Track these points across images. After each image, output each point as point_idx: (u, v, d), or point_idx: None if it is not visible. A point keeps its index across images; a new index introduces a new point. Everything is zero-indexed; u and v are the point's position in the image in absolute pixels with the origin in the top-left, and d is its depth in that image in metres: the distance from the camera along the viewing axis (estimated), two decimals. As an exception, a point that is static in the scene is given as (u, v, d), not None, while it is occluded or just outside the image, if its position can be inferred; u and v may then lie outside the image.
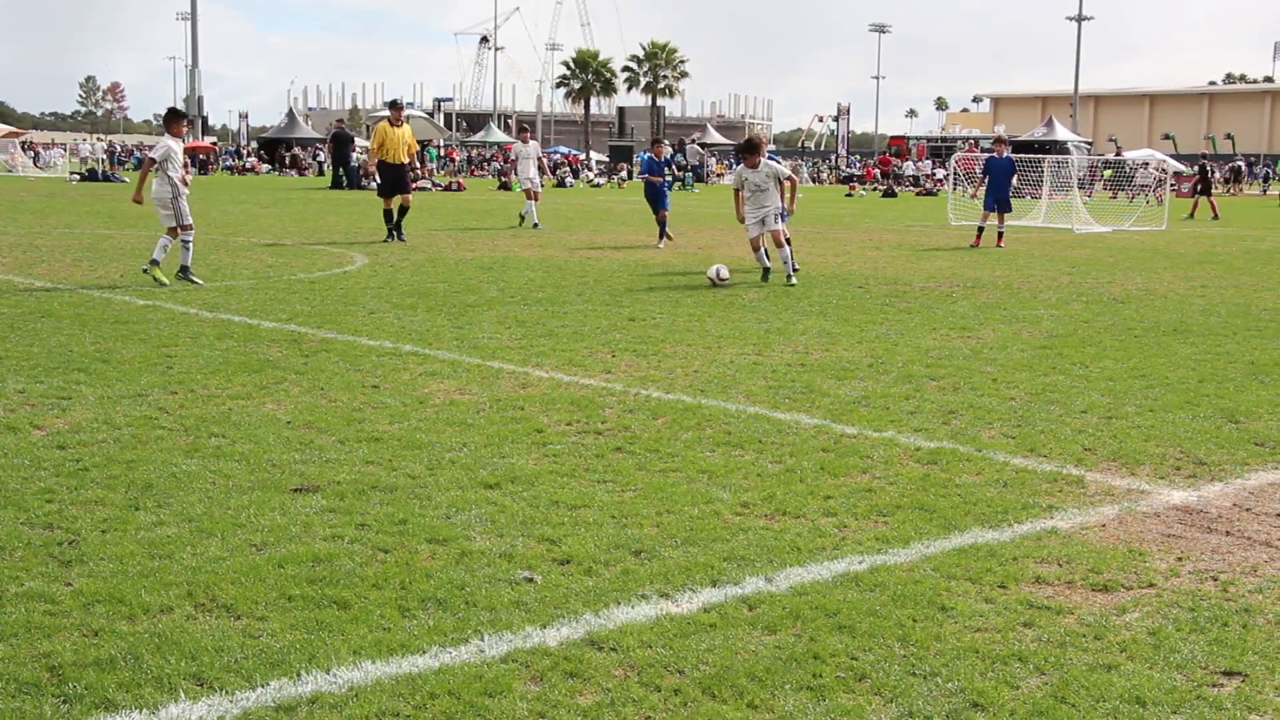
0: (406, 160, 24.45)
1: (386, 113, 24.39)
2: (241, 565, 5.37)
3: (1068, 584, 5.40)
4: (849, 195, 60.01)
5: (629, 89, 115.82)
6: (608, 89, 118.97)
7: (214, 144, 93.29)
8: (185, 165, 16.32)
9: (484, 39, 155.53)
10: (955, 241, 26.27)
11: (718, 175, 77.53)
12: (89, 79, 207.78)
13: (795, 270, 17.73)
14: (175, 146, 16.15)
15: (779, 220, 17.49)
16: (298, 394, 9.01)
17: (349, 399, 8.88)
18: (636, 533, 5.99)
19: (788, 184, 18.02)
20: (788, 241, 17.72)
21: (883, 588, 5.28)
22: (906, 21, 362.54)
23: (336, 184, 53.03)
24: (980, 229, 25.81)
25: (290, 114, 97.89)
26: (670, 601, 5.10)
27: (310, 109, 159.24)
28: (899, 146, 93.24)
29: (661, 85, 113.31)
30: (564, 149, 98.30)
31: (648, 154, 25.90)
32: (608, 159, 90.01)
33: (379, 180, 24.60)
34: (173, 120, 16.44)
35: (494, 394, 9.17)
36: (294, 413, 8.38)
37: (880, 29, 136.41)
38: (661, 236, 24.11)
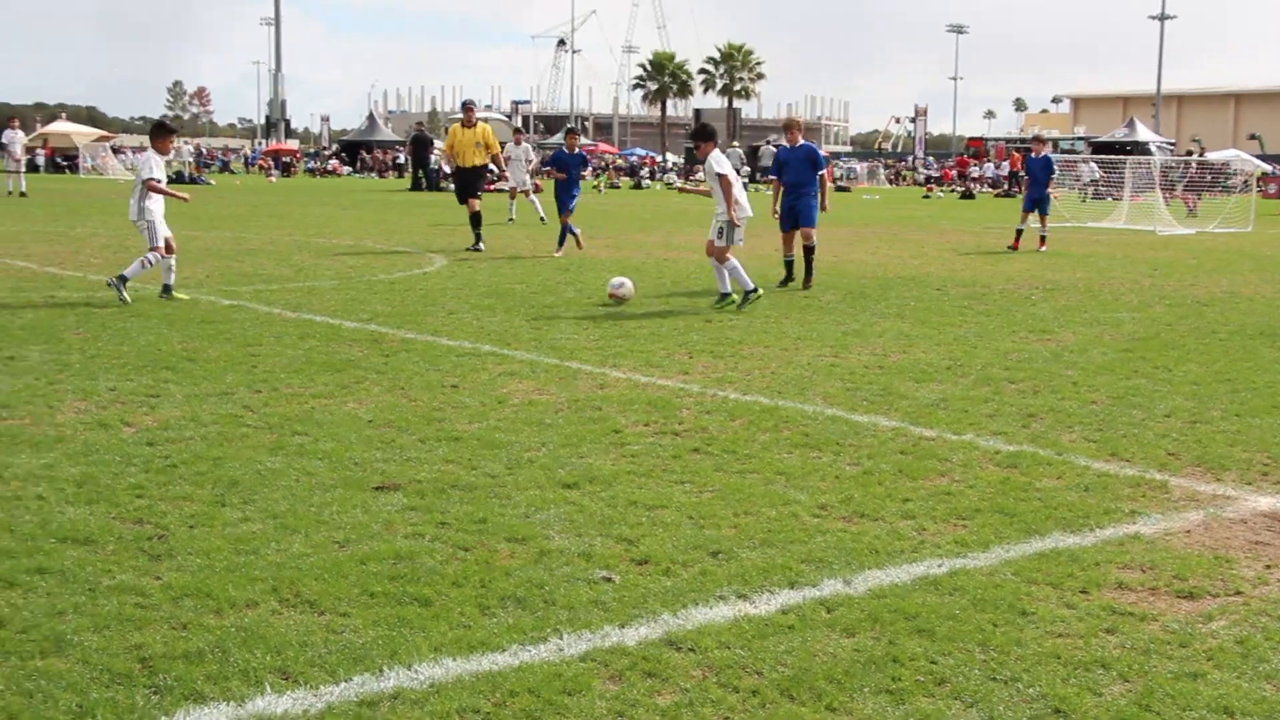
0: (480, 162, 23.21)
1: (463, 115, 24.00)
2: (325, 562, 5.44)
3: (1151, 590, 5.35)
4: (926, 197, 59.62)
5: (705, 91, 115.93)
6: (684, 91, 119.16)
7: (297, 148, 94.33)
8: (162, 183, 14.61)
9: (561, 42, 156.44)
10: (1033, 243, 26.00)
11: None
12: (176, 84, 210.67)
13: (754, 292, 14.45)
14: (157, 162, 14.66)
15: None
16: (378, 393, 9.10)
17: (429, 398, 8.96)
18: (714, 534, 5.99)
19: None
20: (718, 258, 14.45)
21: (962, 591, 5.25)
22: (984, 22, 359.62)
23: (416, 186, 53.51)
24: (1019, 231, 25.25)
25: (371, 117, 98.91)
26: (748, 603, 5.10)
27: (390, 112, 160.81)
28: (977, 148, 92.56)
29: (738, 87, 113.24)
30: (641, 150, 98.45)
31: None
32: (683, 161, 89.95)
33: (454, 184, 24.16)
34: (159, 135, 14.94)
35: (572, 394, 9.22)
36: (375, 411, 8.47)
37: (958, 29, 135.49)
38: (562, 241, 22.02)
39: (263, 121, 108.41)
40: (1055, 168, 25.34)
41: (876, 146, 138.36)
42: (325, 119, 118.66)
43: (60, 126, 75.89)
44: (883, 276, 18.50)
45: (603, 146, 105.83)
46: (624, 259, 20.84)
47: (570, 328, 12.62)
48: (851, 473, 7.16)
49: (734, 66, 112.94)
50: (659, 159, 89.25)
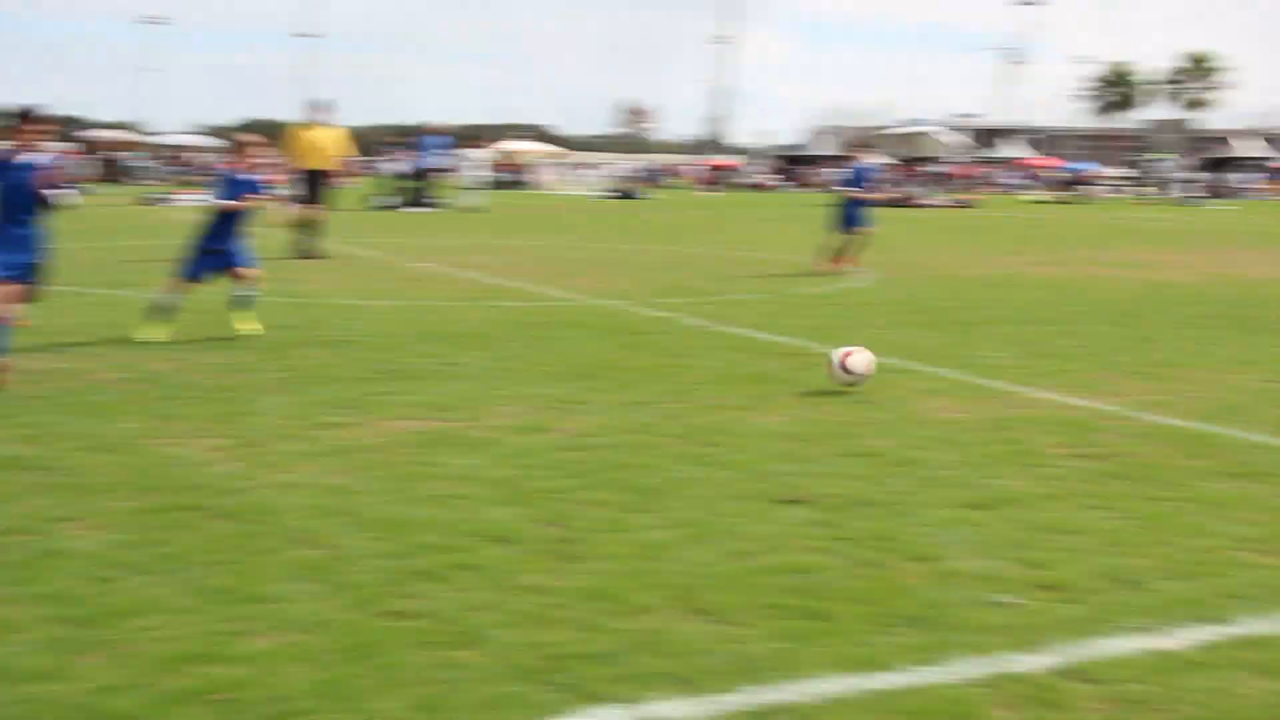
0: (322, 167, 21.02)
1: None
2: (727, 572, 5.56)
3: None
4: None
5: (1162, 101, 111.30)
6: (1128, 102, 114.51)
7: (737, 162, 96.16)
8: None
9: (1009, 50, 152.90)
10: None
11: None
12: (623, 101, 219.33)
13: None
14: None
15: None
16: (793, 406, 9.20)
17: (842, 413, 8.98)
18: (1129, 562, 5.76)
19: None
20: None
21: (1403, 639, 4.84)
22: None
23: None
24: None
25: (816, 131, 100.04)
26: (1159, 636, 4.87)
27: (829, 127, 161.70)
28: None
29: (1193, 98, 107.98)
30: (1084, 165, 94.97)
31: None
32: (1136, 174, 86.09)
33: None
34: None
35: (990, 413, 9.03)
36: (787, 425, 8.57)
37: None
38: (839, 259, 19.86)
39: (703, 137, 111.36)
40: None
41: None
42: (764, 133, 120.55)
43: (510, 144, 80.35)
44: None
45: (1040, 159, 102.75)
46: (1053, 276, 20.20)
47: (996, 345, 12.36)
48: (1286, 506, 6.70)
49: (1197, 74, 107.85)
50: (1107, 172, 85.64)
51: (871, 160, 20.78)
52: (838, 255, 19.70)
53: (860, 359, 9.79)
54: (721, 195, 68.18)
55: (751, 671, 4.52)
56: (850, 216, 19.76)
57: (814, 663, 4.60)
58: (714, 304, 15.87)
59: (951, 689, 4.39)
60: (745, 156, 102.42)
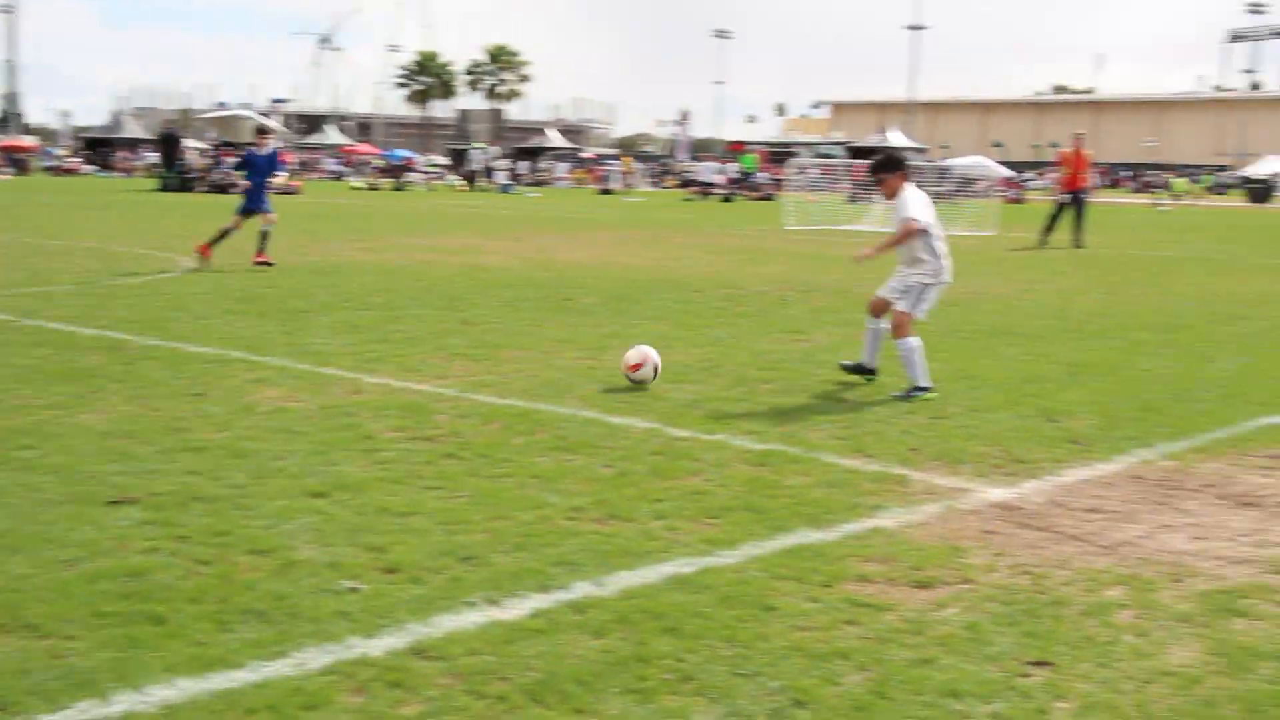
0: None
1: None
2: (49, 582, 5.17)
3: (890, 581, 5.49)
4: (688, 200, 60.45)
5: (472, 89, 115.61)
6: (448, 91, 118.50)
7: (37, 144, 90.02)
8: None
9: (323, 39, 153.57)
10: (791, 246, 26.58)
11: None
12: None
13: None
14: None
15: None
16: (117, 403, 8.74)
17: (172, 407, 8.64)
18: (466, 539, 5.93)
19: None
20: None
21: (710, 589, 5.31)
22: (748, 28, 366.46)
23: (165, 186, 51.81)
24: None
25: (117, 113, 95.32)
26: (498, 608, 5.06)
27: (139, 108, 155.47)
28: (739, 152, 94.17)
29: (503, 89, 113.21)
30: (403, 152, 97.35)
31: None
32: (450, 162, 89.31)
33: None
34: None
35: (324, 400, 9.02)
36: (113, 422, 8.13)
37: (723, 35, 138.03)
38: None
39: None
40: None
41: (641, 149, 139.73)
42: (66, 114, 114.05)
43: None
44: (644, 279, 18.66)
45: (364, 147, 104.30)
46: (384, 262, 20.54)
47: (324, 333, 12.36)
48: (605, 475, 7.17)
49: (500, 67, 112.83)
50: (420, 160, 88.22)
51: (267, 147, 20.25)
52: (211, 243, 19.12)
53: (640, 367, 9.74)
54: (20, 179, 63.57)
55: (82, 686, 4.23)
56: (250, 202, 19.45)
57: (152, 669, 4.38)
58: (21, 296, 14.78)
59: (301, 680, 4.33)
60: (39, 138, 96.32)
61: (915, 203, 9.87)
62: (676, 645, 4.71)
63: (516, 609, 5.06)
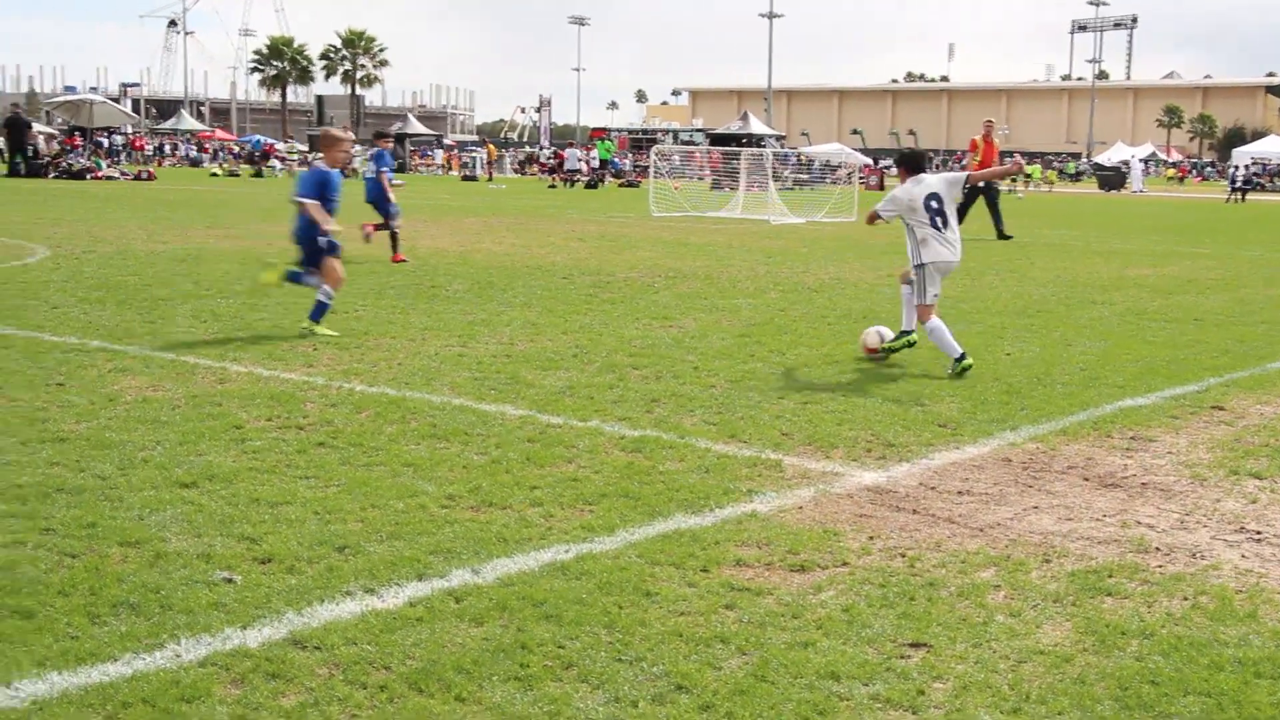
0: None
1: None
2: (-90, 578, 5.03)
3: (767, 565, 5.57)
4: (552, 187, 60.38)
5: (327, 77, 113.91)
6: (304, 77, 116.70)
7: None
8: None
9: (172, 22, 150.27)
10: (657, 233, 26.67)
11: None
12: None
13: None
14: None
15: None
16: (-26, 393, 8.50)
17: (31, 398, 8.42)
18: (340, 529, 5.88)
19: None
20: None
21: (589, 576, 5.33)
22: (605, 15, 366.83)
23: (14, 172, 50.33)
24: None
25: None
26: (375, 597, 5.02)
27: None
28: (601, 139, 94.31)
29: (361, 75, 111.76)
30: (261, 138, 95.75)
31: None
32: (308, 148, 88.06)
33: None
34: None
35: (189, 390, 8.85)
36: (-30, 413, 7.90)
37: (580, 21, 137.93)
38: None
39: None
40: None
41: (503, 136, 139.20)
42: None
43: None
44: (510, 266, 18.61)
45: (220, 133, 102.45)
46: (246, 250, 20.20)
47: (187, 321, 12.13)
48: (479, 462, 7.15)
49: (356, 53, 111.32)
50: (280, 146, 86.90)
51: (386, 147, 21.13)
52: (394, 247, 19.13)
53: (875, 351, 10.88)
54: None
55: (-50, 684, 4.12)
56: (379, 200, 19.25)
57: (23, 664, 4.28)
58: None
59: (177, 672, 4.25)
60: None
61: (886, 198, 11.19)
62: (556, 632, 4.72)
63: (394, 598, 5.03)
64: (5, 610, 4.74)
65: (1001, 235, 27.36)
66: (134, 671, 4.26)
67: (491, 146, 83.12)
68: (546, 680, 4.32)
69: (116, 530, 5.72)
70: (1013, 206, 44.62)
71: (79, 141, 65.66)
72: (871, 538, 6.03)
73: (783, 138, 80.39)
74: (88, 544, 5.53)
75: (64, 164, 51.77)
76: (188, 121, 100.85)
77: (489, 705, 4.14)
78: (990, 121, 29.55)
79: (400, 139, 78.03)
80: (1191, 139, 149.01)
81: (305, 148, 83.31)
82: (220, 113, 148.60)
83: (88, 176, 50.61)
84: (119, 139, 77.45)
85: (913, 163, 11.14)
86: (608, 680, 4.33)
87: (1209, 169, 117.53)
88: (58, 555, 5.38)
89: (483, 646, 4.58)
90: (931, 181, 10.75)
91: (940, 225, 10.59)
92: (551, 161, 76.48)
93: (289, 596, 5.00)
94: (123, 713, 3.98)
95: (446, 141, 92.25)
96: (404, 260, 18.72)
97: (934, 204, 10.59)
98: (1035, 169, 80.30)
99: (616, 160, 74.05)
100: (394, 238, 19.10)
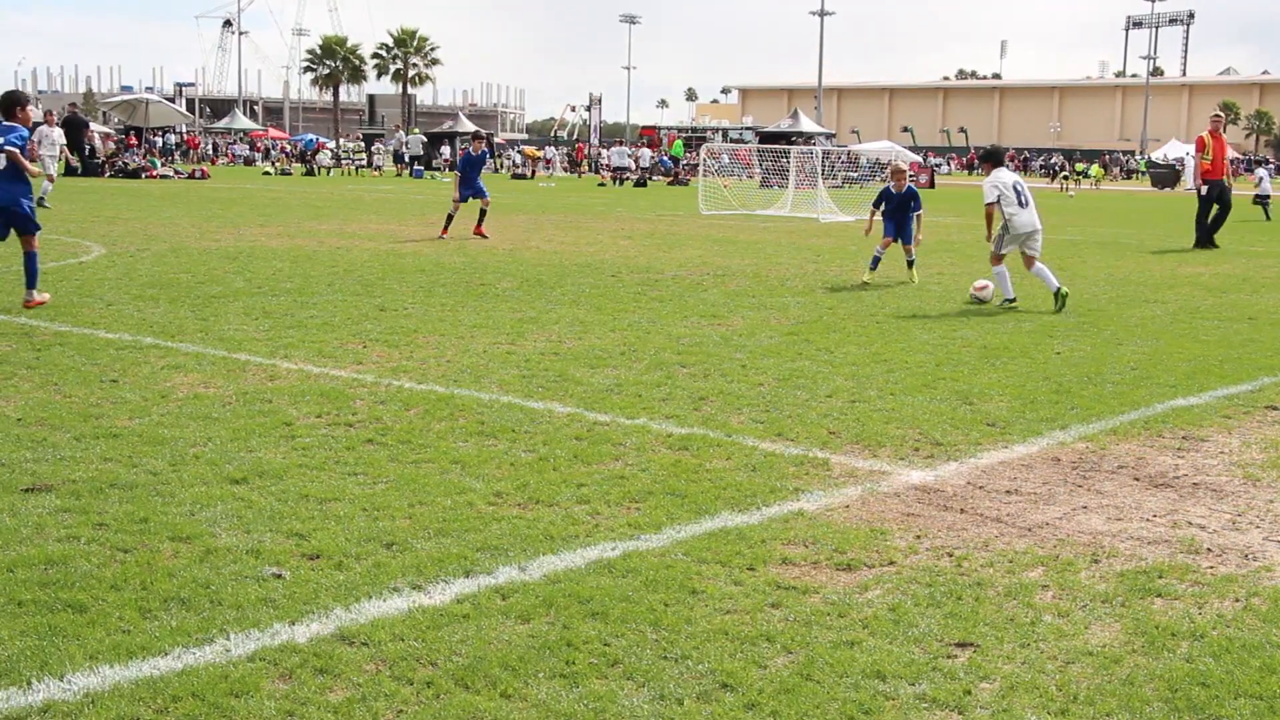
0: None
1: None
2: (-33, 571, 5.10)
3: (813, 564, 5.55)
4: (602, 185, 60.43)
5: (379, 76, 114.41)
6: (356, 76, 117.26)
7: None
8: None
9: (227, 22, 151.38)
10: (705, 231, 26.64)
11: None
12: None
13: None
14: None
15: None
16: (29, 390, 8.60)
17: (85, 394, 8.52)
18: (388, 525, 5.91)
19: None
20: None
21: (635, 573, 5.33)
22: (656, 13, 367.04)
23: (70, 171, 50.89)
24: None
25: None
26: (422, 594, 5.05)
27: (41, 92, 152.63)
28: (650, 137, 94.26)
29: (412, 74, 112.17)
30: (313, 137, 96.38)
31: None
32: (363, 145, 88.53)
33: None
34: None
35: (240, 387, 8.93)
36: (25, 409, 8.00)
37: (630, 19, 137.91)
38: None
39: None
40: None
41: (553, 134, 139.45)
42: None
43: None
44: (559, 264, 18.65)
45: (273, 132, 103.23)
46: (296, 248, 20.35)
47: (238, 319, 12.23)
48: (527, 459, 7.18)
49: (408, 52, 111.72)
50: (331, 144, 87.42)
51: (481, 150, 24.79)
52: (445, 226, 22.82)
53: (986, 289, 15.02)
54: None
55: (3, 674, 4.18)
56: (465, 189, 23.15)
57: (75, 657, 4.33)
58: (-72, 281, 14.47)
59: (226, 667, 4.30)
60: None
61: (987, 186, 14.97)
62: (602, 629, 4.73)
63: (441, 594, 5.05)
64: (59, 604, 4.80)
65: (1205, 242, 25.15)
66: (184, 665, 4.30)
67: (528, 149, 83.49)
68: (592, 678, 4.33)
69: (168, 525, 5.78)
70: (1062, 205, 44.25)
71: (135, 141, 66.32)
72: (919, 537, 6.01)
73: (832, 135, 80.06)
74: (139, 539, 5.59)
75: (119, 163, 52.33)
76: (241, 121, 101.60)
77: (534, 702, 4.15)
78: (1218, 116, 26.34)
79: (449, 137, 78.25)
80: (1248, 136, 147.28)
81: (359, 147, 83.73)
82: (273, 112, 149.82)
83: (142, 175, 51.12)
84: (173, 138, 78.27)
85: (995, 157, 15.98)
86: (653, 678, 4.33)
87: (1268, 165, 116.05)
88: (110, 550, 5.44)
89: (529, 643, 4.59)
90: (1010, 171, 15.38)
91: (1023, 204, 14.74)
92: (603, 160, 76.53)
93: (337, 592, 5.03)
94: (172, 706, 4.02)
95: (497, 141, 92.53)
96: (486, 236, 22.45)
97: (1018, 187, 14.90)
98: (1097, 169, 79.60)
99: (665, 159, 74.01)
100: (482, 215, 23.51)
